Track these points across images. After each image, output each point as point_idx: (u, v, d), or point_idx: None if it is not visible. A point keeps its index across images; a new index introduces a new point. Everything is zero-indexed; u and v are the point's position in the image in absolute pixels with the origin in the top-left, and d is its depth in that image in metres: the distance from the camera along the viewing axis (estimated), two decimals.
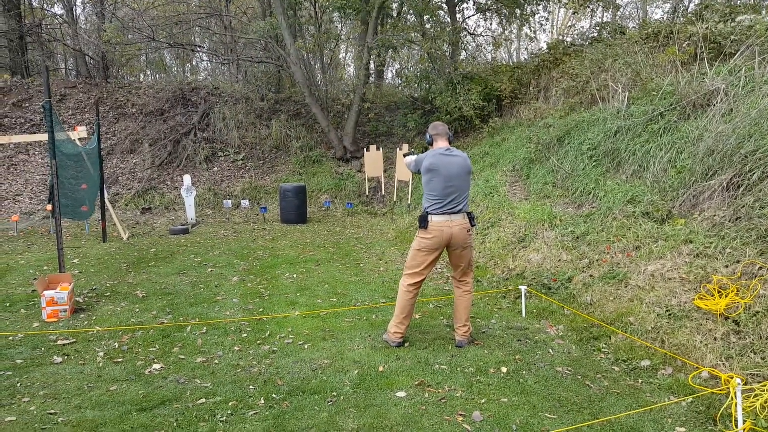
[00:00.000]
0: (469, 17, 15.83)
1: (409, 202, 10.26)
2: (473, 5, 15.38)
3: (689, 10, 11.70)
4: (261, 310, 4.97)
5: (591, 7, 16.39)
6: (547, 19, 15.76)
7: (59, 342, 4.16)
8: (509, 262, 5.96)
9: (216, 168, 11.97)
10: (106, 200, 8.34)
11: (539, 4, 13.82)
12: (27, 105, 12.77)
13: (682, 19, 9.54)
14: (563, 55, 11.26)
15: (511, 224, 6.83)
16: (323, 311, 4.85)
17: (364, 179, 11.59)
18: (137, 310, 4.96)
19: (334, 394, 3.24)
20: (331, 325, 4.47)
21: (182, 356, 3.87)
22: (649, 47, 8.93)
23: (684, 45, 8.23)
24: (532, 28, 13.87)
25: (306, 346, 4.02)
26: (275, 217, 10.61)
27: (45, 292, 4.73)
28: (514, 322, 4.48)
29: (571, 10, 15.80)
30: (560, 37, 12.58)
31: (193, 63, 24.57)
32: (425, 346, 3.96)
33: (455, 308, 4.01)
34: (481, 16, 15.94)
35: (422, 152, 4.09)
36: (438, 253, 3.85)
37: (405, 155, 4.53)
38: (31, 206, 10.55)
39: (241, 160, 12.17)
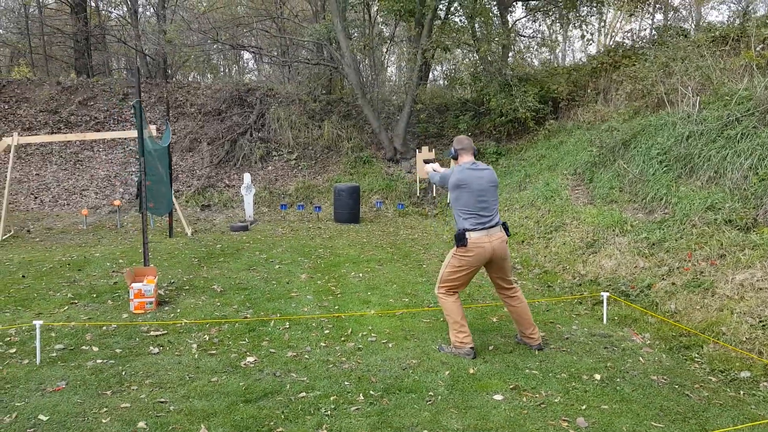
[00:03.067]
0: (519, 19, 15.62)
1: None
2: (522, 6, 15.23)
3: (756, 12, 11.24)
4: (336, 307, 5.06)
5: (648, 9, 15.97)
6: (603, 22, 15.44)
7: (152, 333, 4.34)
8: (579, 267, 5.88)
9: (270, 167, 12.23)
10: (173, 197, 8.63)
11: (594, 6, 13.55)
12: (92, 103, 13.36)
13: (754, 21, 9.17)
14: (623, 57, 11.03)
15: (578, 229, 6.72)
16: (398, 311, 4.90)
17: (415, 180, 11.63)
18: (218, 304, 5.14)
19: (431, 393, 3.27)
20: (410, 325, 4.51)
21: (272, 350, 3.99)
22: (719, 50, 8.65)
23: (758, 48, 7.93)
24: (588, 30, 13.60)
25: (390, 345, 4.08)
26: (328, 216, 10.76)
27: (133, 284, 4.94)
28: (596, 329, 4.42)
29: (628, 13, 15.46)
30: (621, 40, 12.28)
31: (240, 64, 25.18)
32: (510, 350, 3.95)
33: (517, 319, 3.93)
34: (530, 18, 15.77)
35: (451, 159, 4.02)
36: (478, 268, 3.81)
37: (426, 161, 4.42)
38: (97, 201, 11.03)
39: (294, 159, 12.40)
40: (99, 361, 3.78)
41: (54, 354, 3.88)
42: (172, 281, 5.89)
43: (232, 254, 7.31)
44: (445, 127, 13.07)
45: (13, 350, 3.94)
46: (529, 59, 15.34)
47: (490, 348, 3.99)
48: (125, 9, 16.05)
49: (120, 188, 11.42)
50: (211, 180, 11.55)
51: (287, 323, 4.57)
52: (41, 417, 2.98)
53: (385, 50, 16.29)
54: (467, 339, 3.81)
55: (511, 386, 3.35)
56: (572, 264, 6.01)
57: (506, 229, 3.86)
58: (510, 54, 13.72)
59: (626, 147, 7.95)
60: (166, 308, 5.00)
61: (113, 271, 6.33)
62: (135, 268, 5.34)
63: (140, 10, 16.02)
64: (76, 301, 5.17)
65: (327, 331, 4.39)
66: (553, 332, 4.33)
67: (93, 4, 15.98)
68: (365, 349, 4.01)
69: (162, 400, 3.22)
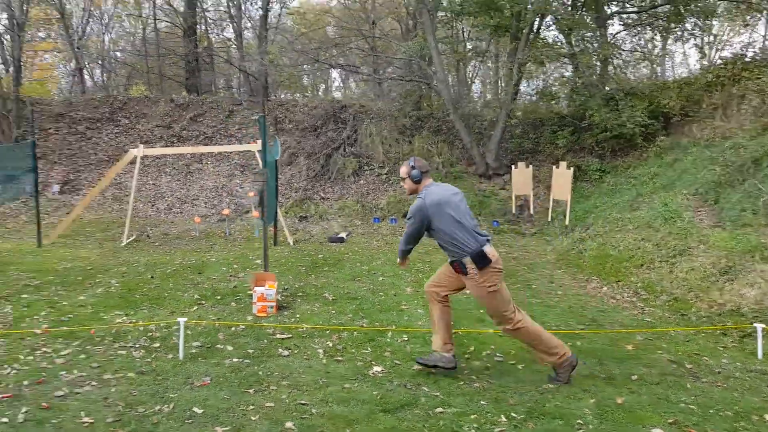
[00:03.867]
0: (619, 32, 14.91)
1: (566, 224, 9.81)
2: (618, 20, 14.54)
3: None
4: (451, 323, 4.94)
5: (762, 18, 14.74)
6: (712, 35, 14.42)
7: (277, 336, 4.46)
8: (715, 296, 5.36)
9: (362, 181, 12.47)
10: (278, 207, 8.99)
11: (700, 18, 12.62)
12: (201, 119, 14.36)
13: None
14: (742, 70, 10.19)
15: (706, 254, 6.17)
16: None
17: (510, 197, 11.33)
18: (333, 312, 5.21)
19: (579, 422, 3.06)
20: None
21: (397, 362, 3.95)
22: None
23: None
24: (700, 44, 12.73)
25: (520, 367, 3.90)
26: None
27: (256, 288, 5.14)
28: (751, 364, 3.97)
29: (743, 23, 14.38)
30: (739, 52, 11.35)
31: (328, 83, 26.21)
32: (657, 382, 3.63)
33: (446, 326, 3.76)
34: (629, 32, 15.02)
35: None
36: None
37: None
38: (206, 210, 11.76)
39: (386, 174, 12.55)
40: (235, 359, 3.93)
41: (193, 351, 4.08)
42: (286, 288, 6.07)
43: (334, 264, 7.44)
44: (541, 143, 12.69)
45: (157, 344, 4.20)
46: (630, 74, 14.60)
47: (634, 378, 3.69)
48: (231, 31, 17.23)
49: (226, 198, 12.12)
50: (308, 192, 11.95)
51: (405, 335, 4.53)
52: (195, 410, 3.12)
53: (473, 65, 16.20)
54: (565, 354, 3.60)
55: (669, 420, 3.06)
56: (706, 291, 5.50)
57: None
58: (610, 68, 13.13)
59: (757, 165, 7.26)
60: (285, 313, 5.14)
61: (230, 276, 6.65)
62: (257, 273, 5.56)
63: (244, 33, 17.13)
64: (203, 302, 5.46)
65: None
66: (700, 365, 3.95)
67: (202, 27, 17.31)
68: (493, 368, 3.87)
69: (302, 402, 3.26)
